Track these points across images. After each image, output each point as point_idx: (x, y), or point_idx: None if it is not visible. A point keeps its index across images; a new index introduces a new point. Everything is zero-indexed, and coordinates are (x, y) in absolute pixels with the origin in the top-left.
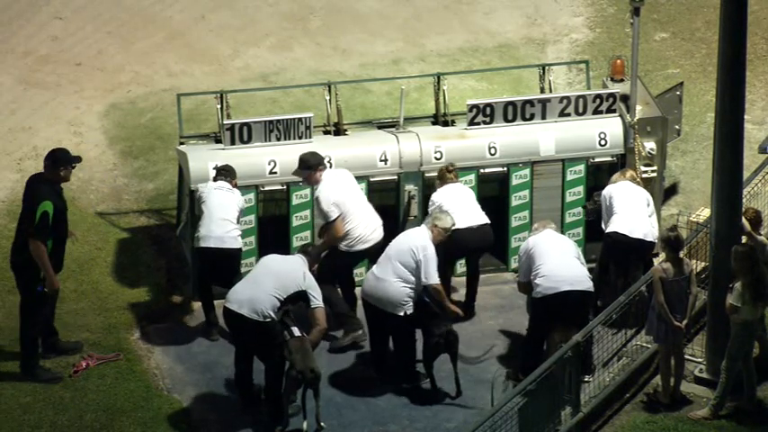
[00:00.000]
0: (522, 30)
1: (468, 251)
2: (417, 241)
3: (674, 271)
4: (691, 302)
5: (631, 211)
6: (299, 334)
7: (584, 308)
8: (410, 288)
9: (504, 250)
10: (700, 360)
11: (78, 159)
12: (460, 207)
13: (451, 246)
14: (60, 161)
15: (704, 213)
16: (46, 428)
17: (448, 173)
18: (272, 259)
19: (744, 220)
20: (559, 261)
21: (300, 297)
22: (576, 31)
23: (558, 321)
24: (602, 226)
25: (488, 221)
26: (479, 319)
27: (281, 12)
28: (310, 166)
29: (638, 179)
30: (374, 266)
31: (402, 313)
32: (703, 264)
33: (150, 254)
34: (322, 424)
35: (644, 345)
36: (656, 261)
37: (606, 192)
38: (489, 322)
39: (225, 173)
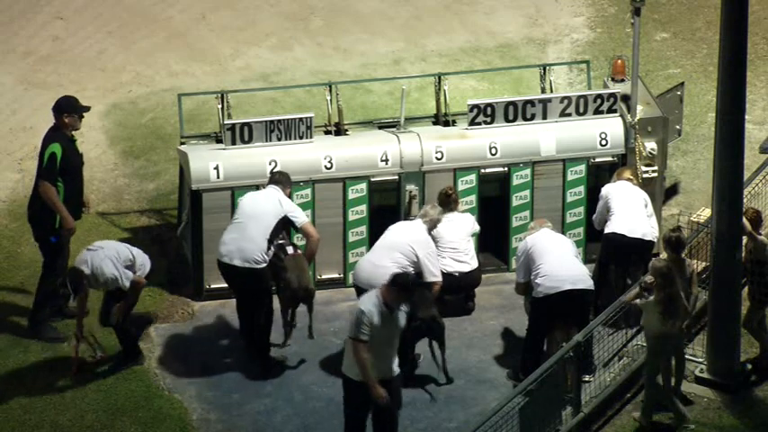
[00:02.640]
0: (523, 30)
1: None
2: (418, 236)
3: (674, 272)
4: (691, 303)
5: (629, 211)
6: (293, 252)
7: (586, 306)
8: None
9: (505, 250)
10: (700, 360)
11: (85, 109)
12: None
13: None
14: (63, 108)
15: (705, 213)
16: (47, 428)
17: (447, 196)
18: (248, 202)
19: (744, 220)
20: (559, 260)
21: (285, 222)
22: (577, 31)
23: (558, 320)
24: (594, 223)
25: (477, 266)
26: (480, 319)
27: (282, 12)
28: None
29: (635, 179)
30: (368, 254)
31: None
32: (704, 264)
33: (151, 254)
34: (314, 336)
35: (644, 345)
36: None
37: (604, 192)
38: (490, 322)
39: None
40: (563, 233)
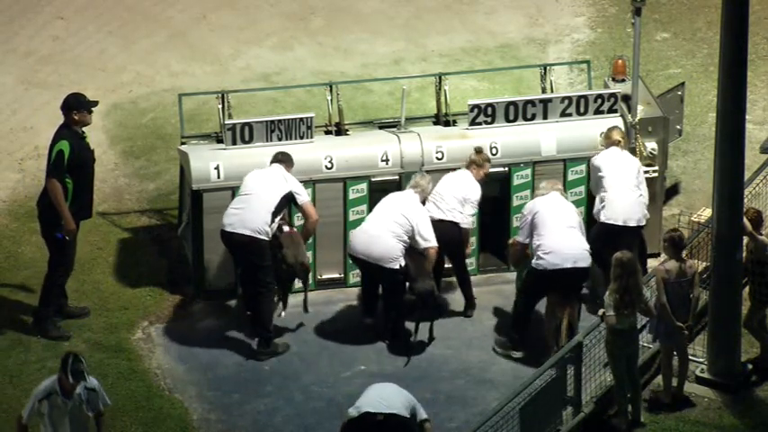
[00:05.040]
0: (524, 30)
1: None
2: (411, 205)
3: (676, 272)
4: (693, 304)
5: (624, 193)
6: (288, 229)
7: (581, 282)
8: (403, 244)
9: (506, 250)
10: (701, 360)
11: (93, 103)
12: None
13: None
14: (71, 105)
15: (705, 213)
16: None
17: (477, 154)
18: (254, 178)
19: (745, 220)
20: (562, 236)
21: (288, 199)
22: (578, 31)
23: (554, 293)
24: (594, 193)
25: (459, 224)
26: (480, 320)
27: (283, 11)
28: None
29: (623, 141)
30: (363, 224)
31: (397, 266)
32: (705, 264)
33: (152, 254)
34: (309, 309)
35: (645, 345)
36: (656, 261)
37: (597, 163)
38: (490, 322)
39: None
40: None
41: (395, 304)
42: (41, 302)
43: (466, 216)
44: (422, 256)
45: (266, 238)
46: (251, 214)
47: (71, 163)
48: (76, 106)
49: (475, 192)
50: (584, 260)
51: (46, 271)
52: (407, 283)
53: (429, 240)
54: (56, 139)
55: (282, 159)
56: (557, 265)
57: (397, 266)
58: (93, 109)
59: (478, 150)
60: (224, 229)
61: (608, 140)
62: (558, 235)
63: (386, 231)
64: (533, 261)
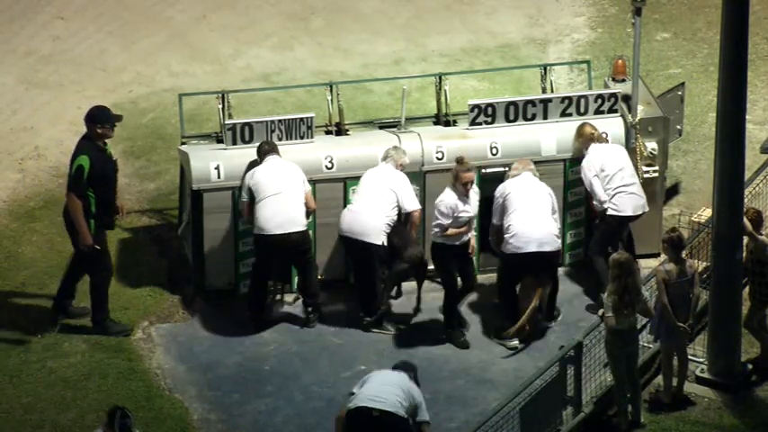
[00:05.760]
0: (524, 30)
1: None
2: (389, 176)
3: (677, 272)
4: (693, 304)
5: (629, 183)
6: None
7: (552, 265)
8: (387, 218)
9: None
10: (701, 360)
11: (118, 118)
12: None
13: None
14: (96, 119)
15: (706, 213)
16: (47, 428)
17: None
18: (269, 177)
19: (745, 220)
20: (530, 218)
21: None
22: (578, 31)
23: (525, 275)
24: (589, 188)
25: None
26: (480, 319)
27: (283, 11)
28: None
29: (595, 130)
30: (349, 204)
31: (380, 242)
32: (705, 264)
33: (152, 254)
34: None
35: (645, 345)
36: (656, 262)
37: (596, 165)
38: (490, 322)
39: None
40: (563, 233)
41: (366, 284)
42: (94, 310)
43: (434, 227)
44: (405, 226)
45: (307, 227)
46: (293, 212)
47: (92, 176)
48: (101, 120)
49: (442, 201)
50: (550, 244)
51: (89, 279)
52: (397, 252)
53: (413, 204)
54: (76, 153)
55: (272, 149)
56: (520, 249)
57: (379, 242)
58: (116, 124)
59: (458, 161)
60: (273, 232)
61: (583, 137)
62: (525, 218)
63: (370, 208)
64: (502, 245)
